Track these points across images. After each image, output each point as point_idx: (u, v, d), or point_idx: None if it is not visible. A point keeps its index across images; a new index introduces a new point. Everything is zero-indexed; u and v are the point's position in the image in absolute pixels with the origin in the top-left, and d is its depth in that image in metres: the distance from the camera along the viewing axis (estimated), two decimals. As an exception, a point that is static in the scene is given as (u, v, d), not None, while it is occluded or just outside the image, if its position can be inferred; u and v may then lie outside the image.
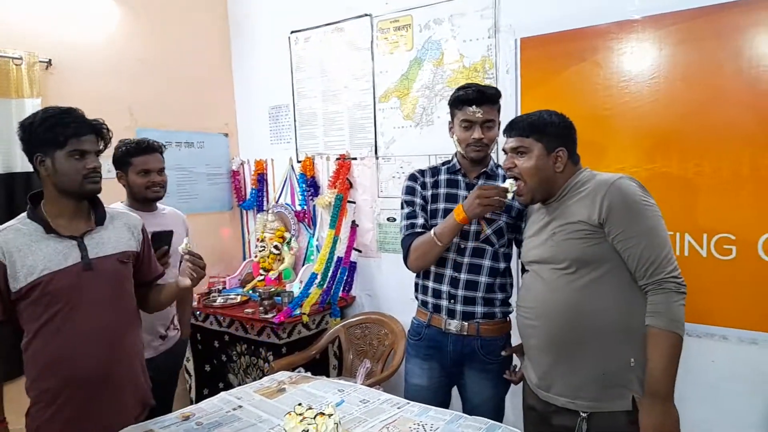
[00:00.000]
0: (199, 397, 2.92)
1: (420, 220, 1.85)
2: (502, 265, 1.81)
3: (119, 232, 1.62)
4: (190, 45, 3.26)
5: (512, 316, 1.87)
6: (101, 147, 1.55)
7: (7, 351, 1.51)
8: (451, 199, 1.83)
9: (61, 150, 1.46)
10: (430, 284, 1.85)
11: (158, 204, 2.24)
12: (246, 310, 2.75)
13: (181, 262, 1.92)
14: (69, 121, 1.48)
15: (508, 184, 1.59)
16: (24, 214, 1.51)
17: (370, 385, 1.99)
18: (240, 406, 1.61)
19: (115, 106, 2.88)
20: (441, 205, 1.84)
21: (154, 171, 2.15)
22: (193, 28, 3.29)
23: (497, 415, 1.80)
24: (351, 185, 3.00)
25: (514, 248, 1.89)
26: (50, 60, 2.59)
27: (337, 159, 3.03)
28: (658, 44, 2.05)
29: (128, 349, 1.60)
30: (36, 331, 1.47)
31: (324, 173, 3.13)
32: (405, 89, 2.75)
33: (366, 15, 2.84)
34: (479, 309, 1.79)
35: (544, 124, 1.53)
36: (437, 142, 2.60)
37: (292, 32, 3.16)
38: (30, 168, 2.42)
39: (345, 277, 2.97)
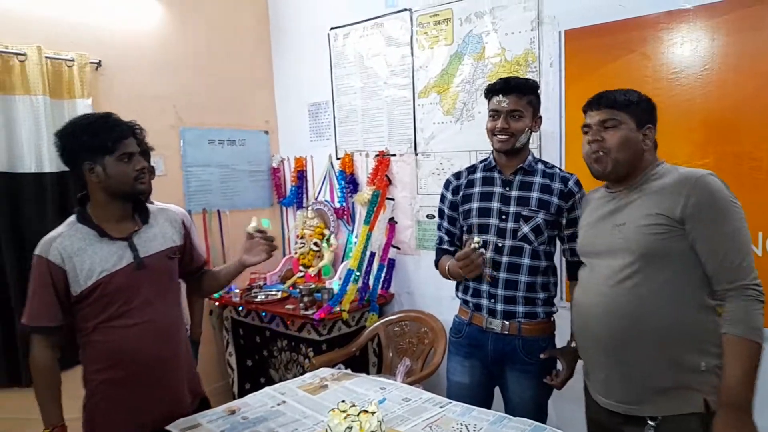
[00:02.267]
0: (241, 392, 2.98)
1: (445, 236, 1.90)
2: (543, 264, 1.76)
3: (163, 228, 1.66)
4: (232, 44, 3.31)
5: (556, 316, 1.84)
6: (140, 148, 1.58)
7: (60, 352, 1.55)
8: (486, 197, 1.80)
9: (110, 155, 1.49)
10: (471, 283, 1.83)
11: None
12: (287, 306, 2.79)
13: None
14: (112, 126, 1.51)
15: (475, 242, 1.62)
16: (73, 219, 1.55)
17: (410, 384, 1.98)
18: (284, 402, 1.63)
19: (160, 106, 2.96)
20: (475, 204, 1.81)
21: None
22: (235, 28, 3.34)
23: (539, 417, 1.74)
24: (390, 182, 3.00)
25: (559, 246, 1.84)
26: (100, 61, 2.68)
27: (376, 156, 3.03)
28: (710, 34, 1.96)
29: (179, 341, 1.66)
30: (94, 327, 1.52)
31: (363, 170, 3.13)
32: (445, 84, 2.72)
33: (406, 10, 2.82)
34: (520, 308, 1.76)
35: (636, 99, 1.47)
36: (478, 138, 2.56)
37: (331, 29, 3.17)
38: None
39: (383, 275, 2.97)
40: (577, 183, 1.77)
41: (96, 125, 1.50)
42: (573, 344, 1.71)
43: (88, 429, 1.57)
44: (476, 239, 1.65)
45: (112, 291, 1.51)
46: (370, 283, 2.92)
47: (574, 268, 1.71)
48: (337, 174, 3.25)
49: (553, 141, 2.36)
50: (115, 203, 1.55)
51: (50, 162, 2.44)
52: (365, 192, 3.02)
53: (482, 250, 1.65)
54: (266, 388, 1.75)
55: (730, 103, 1.95)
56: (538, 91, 1.81)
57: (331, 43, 3.20)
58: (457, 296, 1.92)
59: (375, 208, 2.92)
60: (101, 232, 1.52)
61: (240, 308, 2.98)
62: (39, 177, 2.42)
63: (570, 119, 2.31)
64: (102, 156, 1.48)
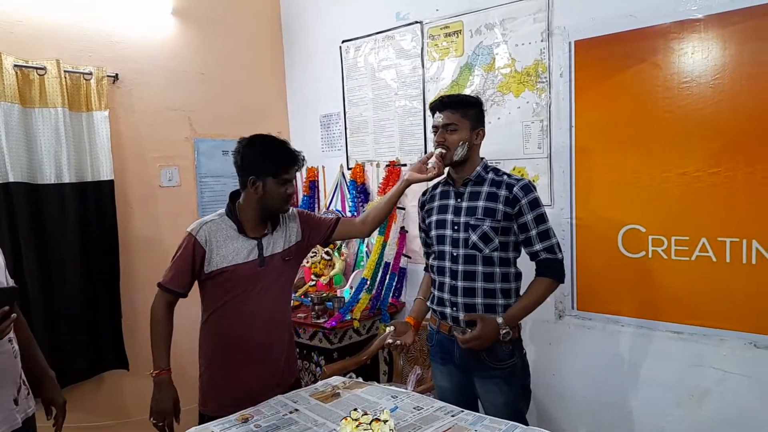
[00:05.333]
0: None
1: (425, 248, 2.05)
2: (498, 270, 1.81)
3: (285, 231, 1.93)
4: (245, 56, 3.37)
5: (520, 322, 1.87)
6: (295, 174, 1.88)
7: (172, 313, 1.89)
8: (442, 210, 1.91)
9: (274, 178, 1.79)
10: (436, 292, 1.93)
11: None
12: (298, 315, 2.81)
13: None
14: (286, 156, 1.82)
15: (389, 329, 1.95)
16: (222, 211, 1.87)
17: (421, 392, 1.99)
18: (296, 410, 1.65)
19: (175, 117, 3.02)
20: (434, 218, 1.94)
21: None
22: (249, 40, 3.39)
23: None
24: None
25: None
26: (117, 74, 2.74)
27: (387, 165, 3.05)
28: (721, 43, 1.97)
29: (283, 332, 1.93)
30: (214, 309, 1.86)
31: (374, 180, 3.16)
32: (461, 93, 2.73)
33: (416, 22, 2.86)
34: None
35: None
36: (488, 148, 2.56)
37: (343, 41, 3.22)
38: (100, 177, 2.61)
39: (394, 283, 2.98)
40: (524, 188, 1.80)
41: (277, 153, 1.81)
42: (499, 319, 1.77)
43: (201, 399, 1.92)
44: (390, 328, 1.95)
45: (235, 279, 1.81)
46: (381, 292, 2.93)
47: (539, 267, 1.83)
48: (348, 184, 3.27)
49: (563, 152, 2.37)
50: (259, 211, 1.84)
51: (69, 173, 2.49)
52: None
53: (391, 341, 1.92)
54: (278, 396, 1.77)
55: (742, 112, 1.94)
56: (481, 107, 1.92)
57: (342, 55, 3.24)
58: (421, 299, 2.04)
59: (387, 218, 2.94)
60: (240, 228, 1.83)
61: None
62: (59, 187, 2.47)
63: (580, 129, 2.32)
64: (266, 176, 1.78)
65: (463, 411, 1.60)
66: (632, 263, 2.22)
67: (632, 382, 2.26)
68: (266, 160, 1.79)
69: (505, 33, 2.54)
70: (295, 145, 3.76)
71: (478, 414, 1.57)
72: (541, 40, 2.42)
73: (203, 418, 1.86)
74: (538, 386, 2.47)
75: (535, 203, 1.80)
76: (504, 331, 1.74)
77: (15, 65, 2.34)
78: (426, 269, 2.09)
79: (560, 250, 1.83)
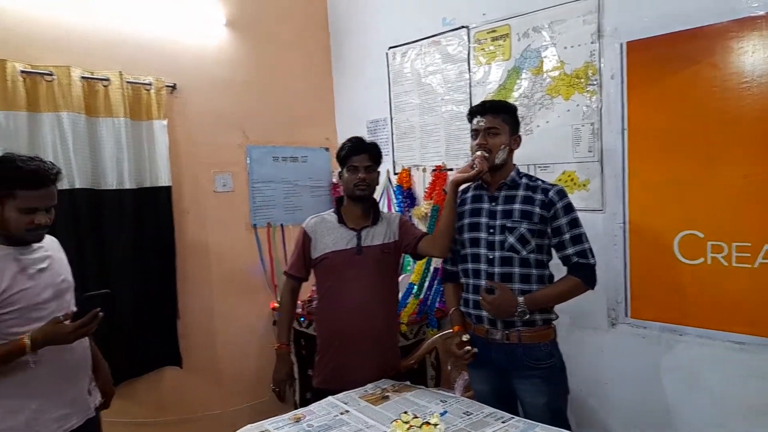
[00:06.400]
0: (303, 402, 3.05)
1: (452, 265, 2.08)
2: (534, 272, 1.84)
3: (385, 228, 2.13)
4: (294, 64, 3.45)
5: (556, 323, 1.91)
6: (371, 163, 2.08)
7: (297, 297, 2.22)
8: (475, 213, 1.95)
9: (344, 166, 2.08)
10: (471, 296, 1.93)
11: None
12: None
13: None
14: (353, 144, 2.08)
15: (465, 337, 1.90)
16: (333, 209, 2.18)
17: (469, 398, 1.98)
18: (347, 411, 1.68)
19: (228, 125, 3.13)
20: (466, 221, 1.97)
21: (42, 210, 1.61)
22: (298, 49, 3.48)
23: (558, 425, 1.74)
24: (446, 197, 3.01)
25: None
26: (175, 84, 2.86)
27: (433, 170, 3.06)
28: (786, 41, 1.89)
29: (378, 322, 2.08)
30: (322, 294, 2.14)
31: (420, 184, 3.17)
32: (502, 99, 2.72)
33: (463, 27, 2.86)
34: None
35: None
36: (537, 152, 2.55)
37: (390, 48, 3.25)
38: (158, 183, 2.74)
39: (442, 289, 2.98)
40: (559, 193, 1.85)
41: (349, 143, 2.09)
42: (520, 298, 1.80)
43: (314, 371, 2.16)
44: (465, 336, 1.89)
45: (334, 265, 2.06)
46: (429, 296, 2.94)
47: (570, 271, 1.85)
48: (394, 188, 3.30)
49: (615, 156, 2.32)
50: (351, 203, 2.11)
51: (129, 179, 2.62)
52: (423, 206, 3.06)
53: (466, 337, 1.90)
54: (329, 397, 1.81)
55: (808, 113, 1.86)
56: (517, 113, 1.97)
57: (389, 61, 3.28)
58: (460, 309, 2.02)
59: (436, 223, 2.95)
60: (341, 220, 2.10)
61: (301, 319, 3.06)
62: (120, 193, 2.60)
63: (633, 131, 2.26)
64: (343, 166, 2.09)
65: (513, 417, 1.59)
66: (690, 270, 2.14)
67: (690, 393, 2.18)
68: (342, 152, 2.09)
69: (554, 35, 2.51)
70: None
71: (529, 421, 1.56)
72: (591, 42, 2.38)
73: (316, 391, 2.11)
74: (590, 395, 2.43)
75: (570, 207, 1.84)
76: (520, 309, 1.78)
77: (81, 77, 2.48)
78: (447, 279, 2.12)
79: (593, 256, 1.84)
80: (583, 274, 1.82)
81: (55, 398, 1.62)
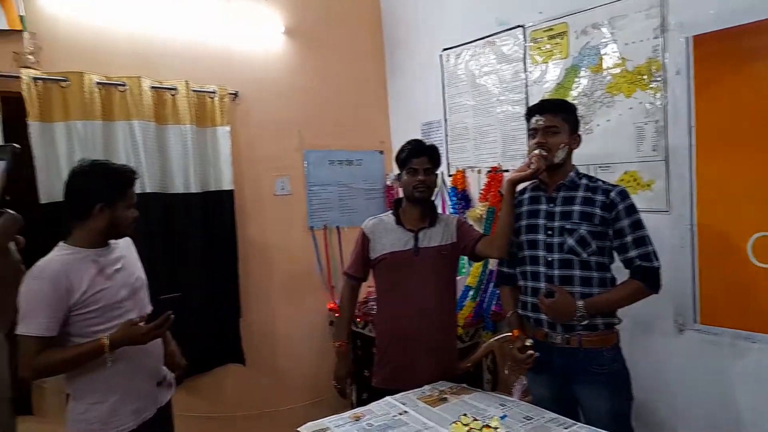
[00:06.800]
0: (359, 402, 3.09)
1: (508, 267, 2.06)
2: (596, 274, 1.78)
3: (443, 229, 2.14)
4: (349, 69, 3.51)
5: (619, 327, 1.84)
6: (430, 165, 2.11)
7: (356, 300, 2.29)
8: (533, 215, 1.92)
9: (404, 169, 2.12)
10: (529, 299, 1.89)
11: None
12: (402, 320, 2.86)
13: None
14: (407, 148, 2.14)
15: (528, 342, 1.83)
16: (390, 212, 2.22)
17: (528, 403, 1.95)
18: (405, 411, 1.69)
19: (287, 130, 3.22)
20: (523, 222, 1.94)
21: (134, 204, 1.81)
22: (352, 53, 3.53)
23: None
24: (503, 197, 2.97)
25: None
26: (237, 92, 2.97)
27: (489, 171, 3.03)
28: None
29: (436, 323, 2.09)
30: (381, 294, 2.19)
31: (475, 186, 3.15)
32: (560, 98, 2.67)
33: (519, 26, 2.82)
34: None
35: None
36: (597, 152, 2.48)
37: (443, 50, 3.25)
38: (221, 187, 2.85)
39: (498, 291, 2.95)
40: (621, 193, 1.78)
41: (408, 146, 2.15)
42: (580, 302, 1.75)
43: (372, 380, 2.19)
44: (528, 341, 1.83)
45: (392, 265, 2.10)
46: (485, 299, 2.91)
47: (633, 275, 1.78)
48: (449, 191, 3.29)
49: (681, 154, 2.22)
50: (409, 205, 2.15)
51: (195, 183, 2.75)
52: (478, 208, 3.04)
53: (529, 342, 1.83)
54: (387, 398, 1.83)
55: None
56: (576, 112, 1.93)
57: (443, 63, 3.28)
58: (518, 312, 1.98)
59: (491, 225, 2.92)
60: (398, 221, 2.14)
61: (356, 320, 3.10)
62: (187, 196, 2.73)
63: (701, 129, 2.16)
64: (401, 169, 2.13)
65: (576, 423, 1.56)
66: (765, 274, 2.03)
67: (764, 403, 2.07)
68: (400, 155, 2.16)
69: (614, 32, 2.44)
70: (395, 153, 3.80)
71: (593, 428, 1.52)
72: (655, 37, 2.30)
73: (374, 390, 2.13)
74: (656, 402, 2.34)
75: (632, 209, 1.78)
76: (580, 314, 1.73)
77: (151, 87, 2.62)
78: (502, 282, 2.09)
79: (657, 259, 1.76)
80: (647, 278, 1.76)
81: (131, 392, 1.72)
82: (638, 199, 1.99)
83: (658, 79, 2.30)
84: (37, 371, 1.59)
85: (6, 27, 2.26)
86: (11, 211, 0.57)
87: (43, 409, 2.31)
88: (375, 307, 3.10)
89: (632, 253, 1.76)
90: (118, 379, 1.69)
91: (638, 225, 1.77)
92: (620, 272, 1.85)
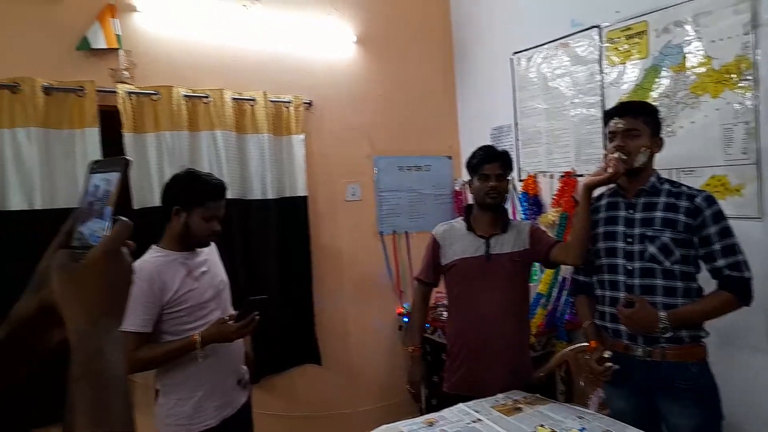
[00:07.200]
0: (428, 407, 3.09)
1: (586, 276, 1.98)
2: (680, 284, 1.68)
3: (515, 236, 2.13)
4: (418, 75, 3.54)
5: (706, 341, 1.74)
6: (502, 171, 2.10)
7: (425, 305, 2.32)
8: (611, 222, 1.86)
9: (475, 175, 2.11)
10: (607, 309, 1.81)
11: None
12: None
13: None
14: (479, 154, 2.14)
15: (607, 354, 1.76)
16: (461, 218, 2.22)
17: (606, 416, 1.89)
18: (479, 419, 1.69)
19: (357, 137, 3.29)
20: (600, 230, 1.89)
21: (218, 218, 1.86)
22: (421, 59, 3.56)
23: None
24: (577, 203, 2.90)
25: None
26: (311, 101, 3.07)
27: (562, 176, 2.96)
28: None
29: (508, 330, 2.07)
30: (452, 300, 2.19)
31: (547, 191, 3.08)
32: (641, 100, 2.57)
33: (594, 27, 2.74)
34: None
35: None
36: (680, 155, 2.37)
37: (514, 53, 3.21)
38: (296, 193, 2.97)
39: (572, 300, 2.87)
40: (707, 199, 1.67)
41: (480, 151, 2.15)
42: (662, 313, 1.68)
43: (444, 385, 2.18)
44: (607, 353, 1.76)
45: (463, 271, 2.09)
46: (558, 307, 2.85)
47: (721, 286, 1.69)
48: (519, 196, 3.24)
49: (776, 160, 2.09)
50: (481, 211, 2.14)
51: (272, 189, 2.86)
52: (550, 214, 2.97)
53: (607, 354, 1.77)
54: (460, 404, 1.83)
55: None
56: (658, 114, 1.85)
57: (514, 66, 3.23)
58: (595, 322, 1.90)
59: (564, 231, 2.85)
60: (469, 227, 2.14)
61: (427, 326, 3.11)
62: (264, 202, 2.85)
63: (799, 131, 2.03)
64: (473, 175, 2.14)
65: (659, 439, 1.50)
66: None
67: None
68: (471, 160, 2.16)
69: (699, 29, 2.32)
70: (465, 158, 3.84)
71: (677, 444, 1.46)
72: (744, 34, 2.17)
73: (444, 395, 2.15)
74: (746, 427, 2.19)
75: (720, 215, 1.68)
76: (663, 325, 1.65)
77: (232, 98, 2.76)
78: (578, 291, 2.03)
79: (748, 269, 1.66)
80: (737, 289, 1.66)
81: (216, 389, 1.82)
82: (726, 205, 1.89)
83: (749, 77, 2.16)
84: (135, 366, 1.72)
85: (105, 46, 2.45)
86: (124, 218, 0.63)
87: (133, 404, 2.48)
88: (444, 312, 3.12)
89: (720, 263, 1.66)
90: (206, 375, 1.79)
91: (727, 232, 1.67)
92: (707, 282, 1.77)
